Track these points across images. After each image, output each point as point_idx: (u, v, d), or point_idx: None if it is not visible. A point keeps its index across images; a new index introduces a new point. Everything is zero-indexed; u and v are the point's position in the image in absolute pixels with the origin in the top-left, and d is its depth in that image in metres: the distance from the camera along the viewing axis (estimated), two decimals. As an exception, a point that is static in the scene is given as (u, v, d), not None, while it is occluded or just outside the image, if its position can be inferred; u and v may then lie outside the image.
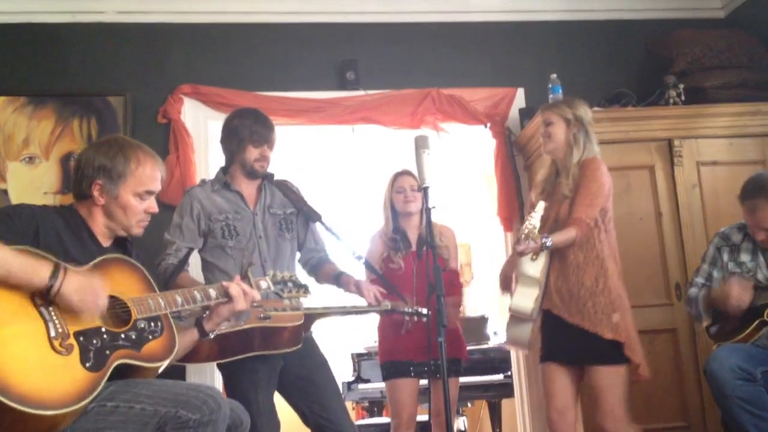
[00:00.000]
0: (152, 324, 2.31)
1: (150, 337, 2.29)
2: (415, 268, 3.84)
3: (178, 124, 4.51)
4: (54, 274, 2.05)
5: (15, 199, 4.34)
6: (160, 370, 2.32)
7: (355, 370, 5.67)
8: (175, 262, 3.23)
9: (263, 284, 2.68)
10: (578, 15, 5.07)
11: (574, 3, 5.05)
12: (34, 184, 4.34)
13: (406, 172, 4.03)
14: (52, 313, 2.07)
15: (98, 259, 2.32)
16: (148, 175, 2.48)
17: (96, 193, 2.41)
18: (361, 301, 3.34)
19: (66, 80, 4.59)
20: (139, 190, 2.45)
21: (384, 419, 5.52)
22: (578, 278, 3.19)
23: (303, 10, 4.83)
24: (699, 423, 4.06)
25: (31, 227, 2.24)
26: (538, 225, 2.97)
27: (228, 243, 3.29)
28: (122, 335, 2.21)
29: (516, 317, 3.26)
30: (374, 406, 5.76)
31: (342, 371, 5.76)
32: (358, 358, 5.69)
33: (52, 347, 2.02)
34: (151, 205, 2.51)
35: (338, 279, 3.41)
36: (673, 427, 4.07)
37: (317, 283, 3.54)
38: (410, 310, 3.32)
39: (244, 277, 2.62)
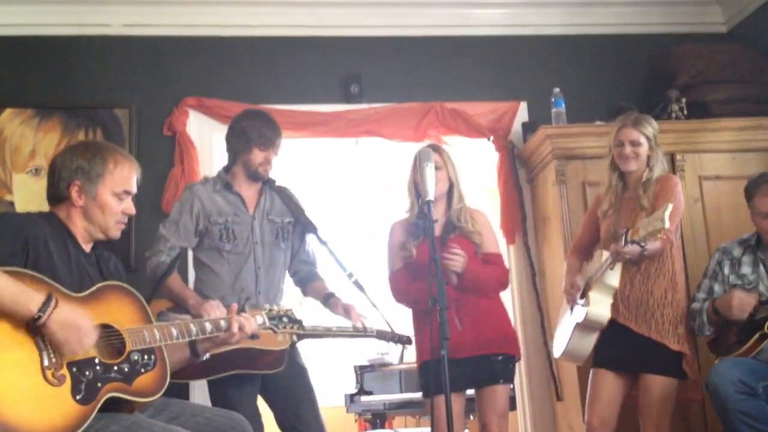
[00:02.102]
0: (146, 356, 2.29)
1: (142, 370, 2.27)
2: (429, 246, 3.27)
3: (184, 137, 4.54)
4: (43, 307, 2.02)
5: (21, 210, 4.36)
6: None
7: (357, 383, 5.67)
8: (167, 261, 3.22)
9: (259, 319, 2.65)
10: (581, 29, 5.09)
11: (576, 17, 5.08)
12: (40, 196, 4.24)
13: (432, 148, 3.48)
14: (47, 343, 2.05)
15: (97, 286, 2.31)
16: (126, 175, 2.48)
17: (74, 195, 2.40)
18: (345, 323, 3.34)
19: (72, 92, 4.63)
20: (117, 189, 2.45)
21: (387, 431, 5.52)
22: (648, 288, 3.27)
23: (307, 23, 4.86)
24: (702, 437, 4.06)
25: (20, 239, 2.22)
26: (667, 225, 2.90)
27: (225, 246, 3.31)
28: (115, 367, 2.19)
29: (586, 326, 3.27)
30: (377, 418, 5.75)
31: (345, 383, 5.77)
32: (361, 371, 5.69)
33: (45, 377, 2.01)
34: (129, 206, 2.50)
35: (327, 300, 3.44)
36: (675, 441, 4.07)
37: (303, 294, 3.61)
38: (394, 335, 3.33)
39: (241, 311, 2.62)
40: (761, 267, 3.41)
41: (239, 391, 3.13)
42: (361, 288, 3.39)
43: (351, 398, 5.56)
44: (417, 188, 3.42)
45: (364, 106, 4.74)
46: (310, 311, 3.89)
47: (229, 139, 3.44)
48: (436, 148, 3.50)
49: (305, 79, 4.81)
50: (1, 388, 1.91)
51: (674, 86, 4.58)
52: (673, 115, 4.43)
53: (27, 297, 2.02)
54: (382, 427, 5.73)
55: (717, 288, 3.50)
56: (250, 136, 3.34)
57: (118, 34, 4.73)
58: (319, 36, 4.88)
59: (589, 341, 3.28)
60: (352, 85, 4.74)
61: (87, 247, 2.46)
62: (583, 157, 4.31)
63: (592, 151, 4.30)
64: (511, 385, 3.45)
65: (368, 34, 4.93)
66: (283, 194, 3.48)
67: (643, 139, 3.42)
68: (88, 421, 2.05)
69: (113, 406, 2.17)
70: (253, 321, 2.57)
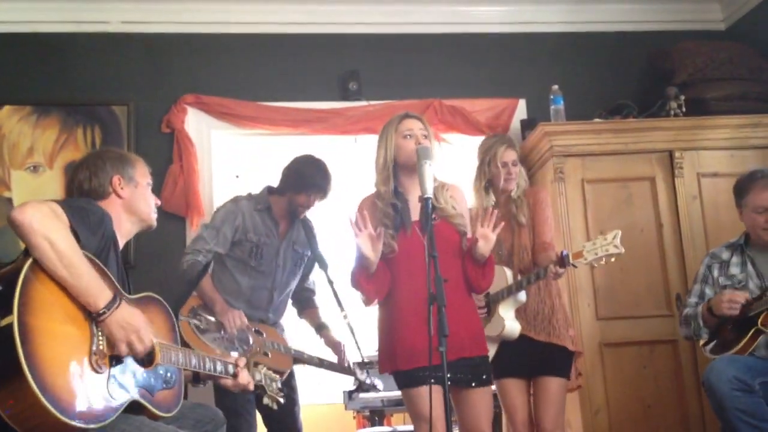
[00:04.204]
0: (169, 374, 2.36)
1: (164, 385, 2.33)
2: (426, 245, 2.72)
3: (182, 134, 4.54)
4: (109, 305, 2.08)
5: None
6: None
7: (356, 380, 5.66)
8: (203, 262, 3.51)
9: (257, 376, 2.79)
10: (580, 26, 5.10)
11: (575, 15, 5.08)
12: (39, 193, 4.35)
13: (411, 115, 3.12)
14: (99, 330, 2.10)
15: (143, 294, 2.40)
16: (146, 168, 2.62)
17: (117, 188, 2.47)
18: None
19: (70, 89, 4.63)
20: (148, 179, 2.59)
21: (385, 428, 5.52)
22: (540, 298, 3.42)
23: (306, 21, 4.86)
24: (700, 433, 4.07)
25: (101, 229, 2.27)
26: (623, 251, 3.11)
27: (251, 262, 3.63)
28: (144, 374, 2.25)
29: (496, 339, 3.35)
30: (375, 415, 5.75)
31: (343, 380, 5.76)
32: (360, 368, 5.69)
33: (90, 361, 2.04)
34: (155, 197, 2.63)
35: (319, 329, 3.88)
36: (673, 438, 4.09)
37: (298, 316, 4.01)
38: (368, 381, 3.76)
39: (248, 364, 2.73)
40: (749, 266, 3.45)
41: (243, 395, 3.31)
42: (351, 331, 3.72)
43: (349, 395, 5.55)
44: (395, 163, 3.06)
45: (363, 103, 4.75)
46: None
47: (286, 175, 3.72)
48: (418, 117, 3.16)
49: (303, 76, 4.81)
50: (52, 355, 1.93)
51: (673, 83, 4.58)
52: (672, 113, 4.43)
53: (99, 290, 2.08)
54: (381, 424, 5.73)
55: (708, 291, 3.52)
56: (305, 183, 3.63)
57: (117, 31, 4.73)
58: (318, 33, 4.88)
59: (493, 350, 3.35)
60: (350, 83, 4.74)
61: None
62: (582, 155, 4.32)
63: (590, 148, 4.32)
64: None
65: (366, 31, 4.93)
66: (307, 227, 3.80)
67: (517, 159, 3.53)
68: (113, 417, 2.07)
69: (132, 411, 2.20)
70: (250, 378, 2.70)
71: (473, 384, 2.95)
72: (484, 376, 2.99)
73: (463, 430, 3.05)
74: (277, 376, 2.93)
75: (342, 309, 3.71)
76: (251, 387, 2.70)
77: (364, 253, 2.87)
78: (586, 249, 3.14)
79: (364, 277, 2.96)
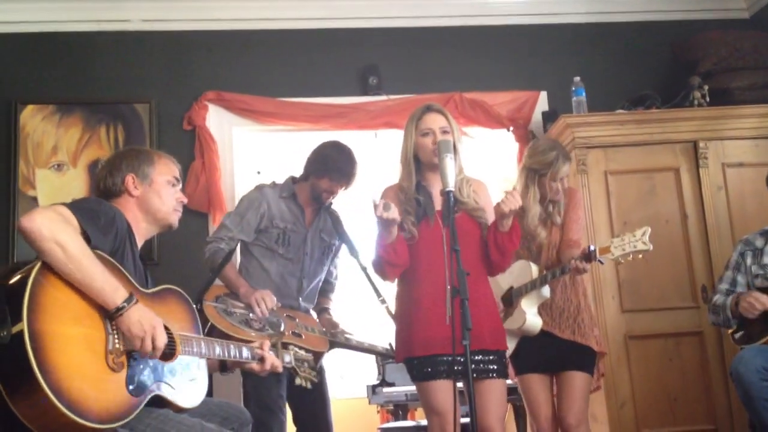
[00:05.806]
0: (192, 364, 2.36)
1: (187, 376, 2.33)
2: (445, 235, 2.89)
3: (203, 131, 4.56)
4: (125, 303, 2.07)
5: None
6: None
7: (379, 374, 5.67)
8: (226, 250, 3.47)
9: (287, 358, 2.77)
10: (601, 17, 5.06)
11: (596, 5, 5.04)
12: (63, 191, 4.39)
13: (433, 108, 3.09)
14: (114, 329, 2.09)
15: (161, 287, 2.38)
16: (170, 164, 2.59)
17: (131, 185, 2.45)
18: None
19: (93, 88, 4.66)
20: (168, 176, 2.54)
21: (409, 422, 5.52)
22: (567, 296, 3.39)
23: (325, 16, 4.86)
24: (727, 425, 4.03)
25: (113, 229, 2.25)
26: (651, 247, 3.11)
27: (278, 249, 3.56)
28: (165, 367, 2.24)
29: (517, 333, 3.36)
30: (399, 409, 5.76)
31: (367, 374, 5.77)
32: (383, 362, 5.69)
33: (106, 361, 2.04)
34: (181, 194, 2.59)
35: (319, 312, 3.76)
36: (700, 429, 4.06)
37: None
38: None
39: (273, 347, 2.71)
40: None
41: (270, 381, 3.29)
42: (391, 315, 3.42)
43: (373, 389, 5.55)
44: (416, 155, 3.06)
45: (383, 97, 4.74)
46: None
47: (310, 159, 3.65)
48: (439, 109, 3.11)
49: (324, 71, 4.81)
50: (66, 359, 1.93)
51: (696, 73, 4.54)
52: (696, 103, 4.39)
53: (113, 289, 2.07)
54: (404, 418, 5.73)
55: (740, 279, 3.48)
56: (327, 166, 3.54)
57: (138, 29, 4.76)
58: (337, 28, 4.88)
59: (513, 344, 3.36)
60: (370, 77, 4.74)
61: (139, 244, 2.50)
62: (605, 146, 4.29)
63: (613, 139, 4.29)
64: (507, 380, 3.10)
65: (386, 25, 4.92)
66: (335, 217, 3.71)
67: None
68: (134, 413, 2.06)
69: (157, 405, 2.20)
70: (279, 362, 2.68)
71: (483, 376, 2.93)
72: (497, 368, 2.96)
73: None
74: (310, 356, 2.90)
75: (379, 294, 3.57)
76: (279, 369, 2.68)
77: (385, 216, 2.80)
78: (614, 245, 3.12)
79: (389, 246, 2.91)
